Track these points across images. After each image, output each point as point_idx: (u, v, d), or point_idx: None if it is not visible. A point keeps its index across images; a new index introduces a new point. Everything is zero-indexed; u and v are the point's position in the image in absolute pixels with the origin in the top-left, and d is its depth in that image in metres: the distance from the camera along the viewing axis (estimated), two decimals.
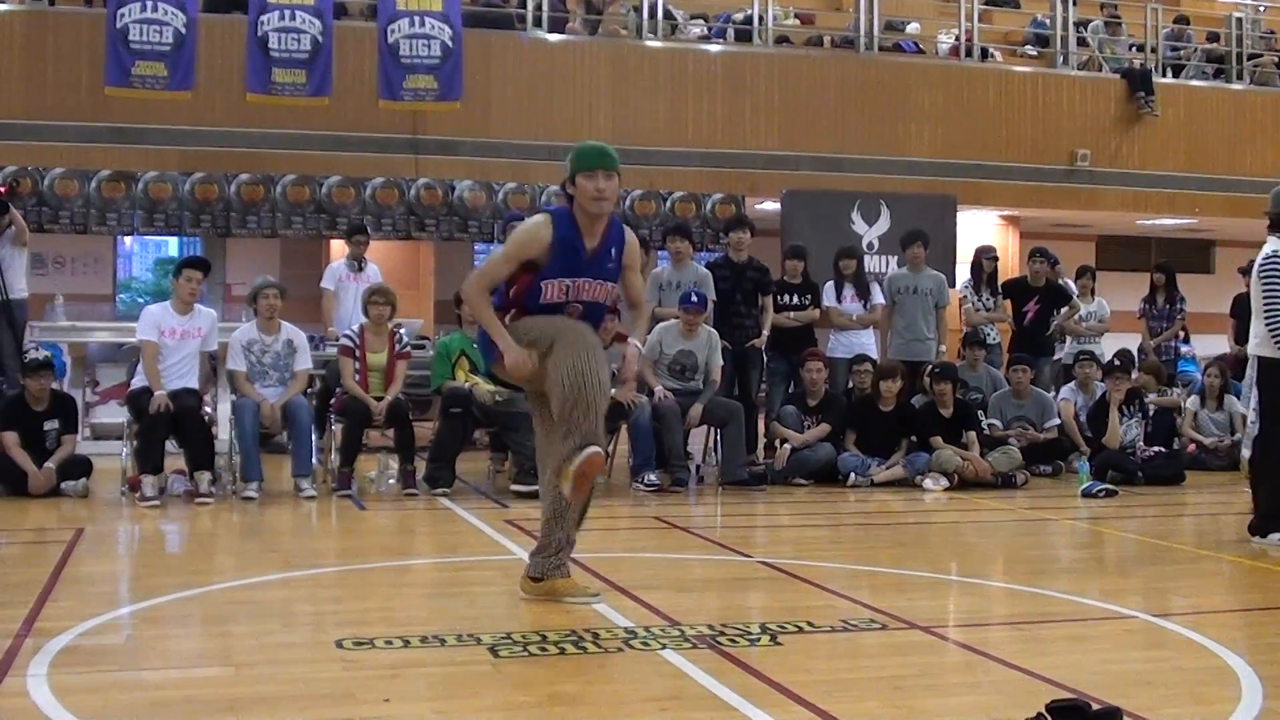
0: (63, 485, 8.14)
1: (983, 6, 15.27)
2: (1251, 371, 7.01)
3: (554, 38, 13.36)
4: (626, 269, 5.11)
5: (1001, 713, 3.64)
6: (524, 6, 13.31)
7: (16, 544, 6.85)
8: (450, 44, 12.20)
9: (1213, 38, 16.40)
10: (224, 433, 8.74)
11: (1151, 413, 10.44)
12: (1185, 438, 10.71)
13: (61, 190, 12.08)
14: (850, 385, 10.09)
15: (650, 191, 13.26)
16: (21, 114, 11.94)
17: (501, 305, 4.98)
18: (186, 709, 3.68)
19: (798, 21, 15.00)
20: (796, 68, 14.05)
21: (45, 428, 8.27)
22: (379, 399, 8.47)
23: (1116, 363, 10.30)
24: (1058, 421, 10.11)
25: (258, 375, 8.42)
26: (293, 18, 11.86)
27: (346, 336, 8.81)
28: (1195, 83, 15.76)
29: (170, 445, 8.15)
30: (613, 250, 5.02)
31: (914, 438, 9.50)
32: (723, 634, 4.53)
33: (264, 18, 11.81)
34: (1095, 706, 3.48)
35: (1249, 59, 15.90)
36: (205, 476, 8.01)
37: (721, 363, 9.25)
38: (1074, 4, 15.19)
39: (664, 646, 4.37)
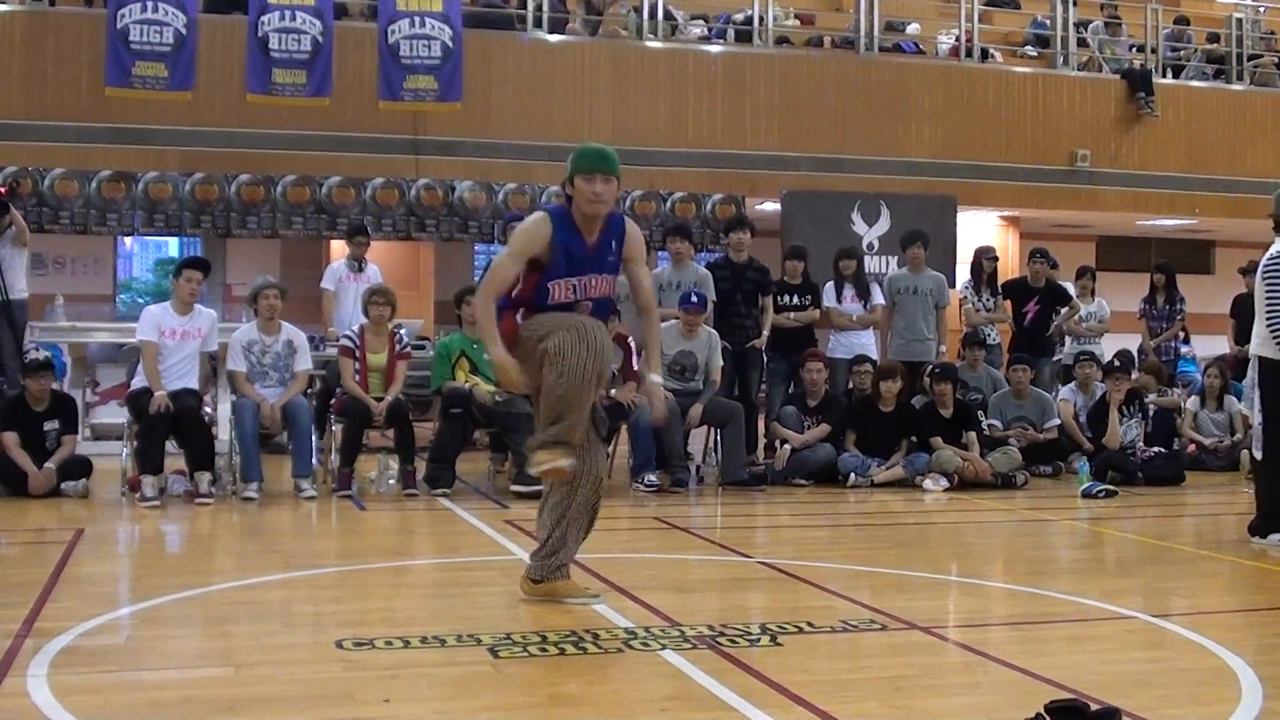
0: (63, 485, 8.14)
1: (983, 7, 15.27)
2: (1253, 372, 7.00)
3: (554, 38, 13.37)
4: (629, 262, 5.11)
5: (1001, 713, 3.64)
6: (524, 7, 13.31)
7: (16, 544, 6.85)
8: (450, 44, 12.21)
9: (1213, 38, 16.41)
10: (224, 433, 8.74)
11: (1151, 413, 10.44)
12: (1185, 438, 10.71)
13: (62, 190, 12.08)
14: (850, 386, 10.10)
15: (650, 192, 13.27)
16: (22, 114, 11.95)
17: (508, 305, 4.98)
18: (186, 709, 3.67)
19: (798, 22, 15.01)
20: (797, 68, 14.05)
21: (45, 428, 8.27)
22: (379, 399, 8.47)
23: (1116, 363, 10.30)
24: (1058, 422, 10.11)
25: (258, 376, 8.43)
26: (293, 18, 11.86)
27: (347, 337, 8.81)
28: (1195, 83, 15.77)
29: (170, 446, 8.15)
30: (612, 243, 5.05)
31: (914, 438, 9.50)
32: (723, 634, 4.53)
33: (264, 18, 11.81)
34: (1094, 707, 3.47)
35: (1249, 60, 15.90)
36: (205, 477, 8.01)
37: (721, 363, 9.25)
38: (1074, 4, 15.20)
39: (664, 647, 4.37)
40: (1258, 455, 6.83)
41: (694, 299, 9.08)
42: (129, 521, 7.47)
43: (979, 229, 15.11)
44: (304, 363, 8.59)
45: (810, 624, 4.74)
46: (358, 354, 8.61)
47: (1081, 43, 15.50)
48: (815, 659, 4.34)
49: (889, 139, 14.05)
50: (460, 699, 3.82)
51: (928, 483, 9.11)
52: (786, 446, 9.37)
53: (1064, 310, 11.38)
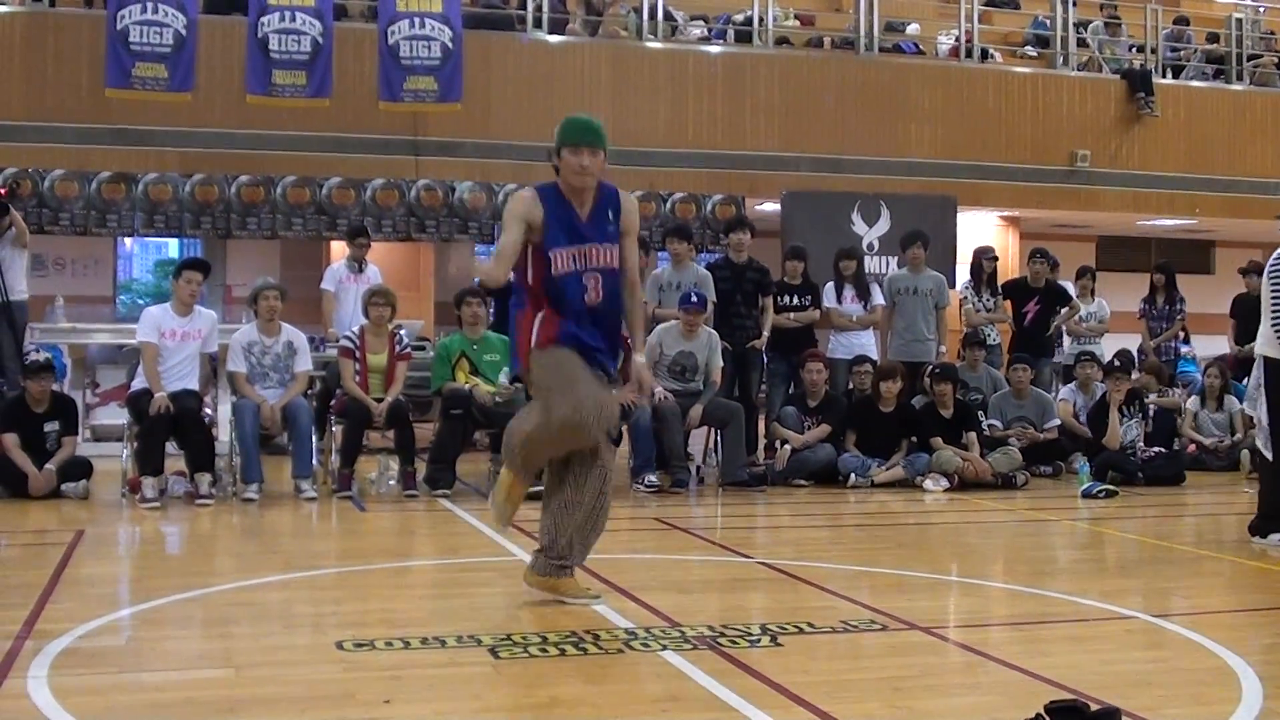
0: (63, 487, 8.14)
1: (982, 7, 15.28)
2: (1258, 372, 6.99)
3: (554, 39, 13.37)
4: (623, 235, 5.12)
5: (1002, 713, 3.64)
6: (524, 8, 13.31)
7: (17, 546, 6.85)
8: (450, 45, 12.21)
9: (1212, 38, 16.41)
10: (224, 434, 8.74)
11: (1152, 413, 10.44)
12: (1185, 438, 10.71)
13: (62, 192, 12.09)
14: (850, 386, 10.10)
15: (650, 192, 13.26)
16: (22, 115, 11.95)
17: (525, 306, 4.99)
18: (187, 710, 3.67)
19: (798, 22, 15.01)
20: (797, 69, 14.05)
21: (45, 429, 8.27)
22: (379, 400, 8.47)
23: (1117, 363, 10.30)
24: (1058, 422, 10.11)
25: (258, 377, 8.43)
26: (293, 19, 11.86)
27: (347, 338, 8.81)
28: (1195, 83, 15.77)
29: (170, 447, 8.14)
30: (609, 212, 5.06)
31: (914, 438, 9.50)
32: (723, 635, 4.53)
33: (264, 19, 11.81)
34: (1095, 707, 3.47)
35: (1249, 59, 15.91)
36: (205, 478, 8.01)
37: (722, 364, 9.25)
38: (1074, 4, 15.20)
39: (664, 648, 4.37)
40: (1269, 455, 6.81)
41: (694, 299, 9.08)
42: (129, 523, 7.47)
43: (979, 229, 15.11)
44: (304, 364, 8.59)
45: (810, 624, 4.74)
46: (358, 355, 8.61)
47: (1081, 43, 15.50)
48: (815, 659, 4.34)
49: (889, 139, 14.05)
50: (460, 700, 3.82)
51: (928, 483, 9.11)
52: (787, 447, 9.38)
53: (1064, 310, 11.38)
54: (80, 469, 8.28)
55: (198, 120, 12.09)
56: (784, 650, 4.39)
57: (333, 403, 8.91)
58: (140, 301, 14.32)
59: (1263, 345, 6.92)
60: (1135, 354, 11.94)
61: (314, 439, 8.46)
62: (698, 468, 9.67)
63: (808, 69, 14.11)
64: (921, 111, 14.20)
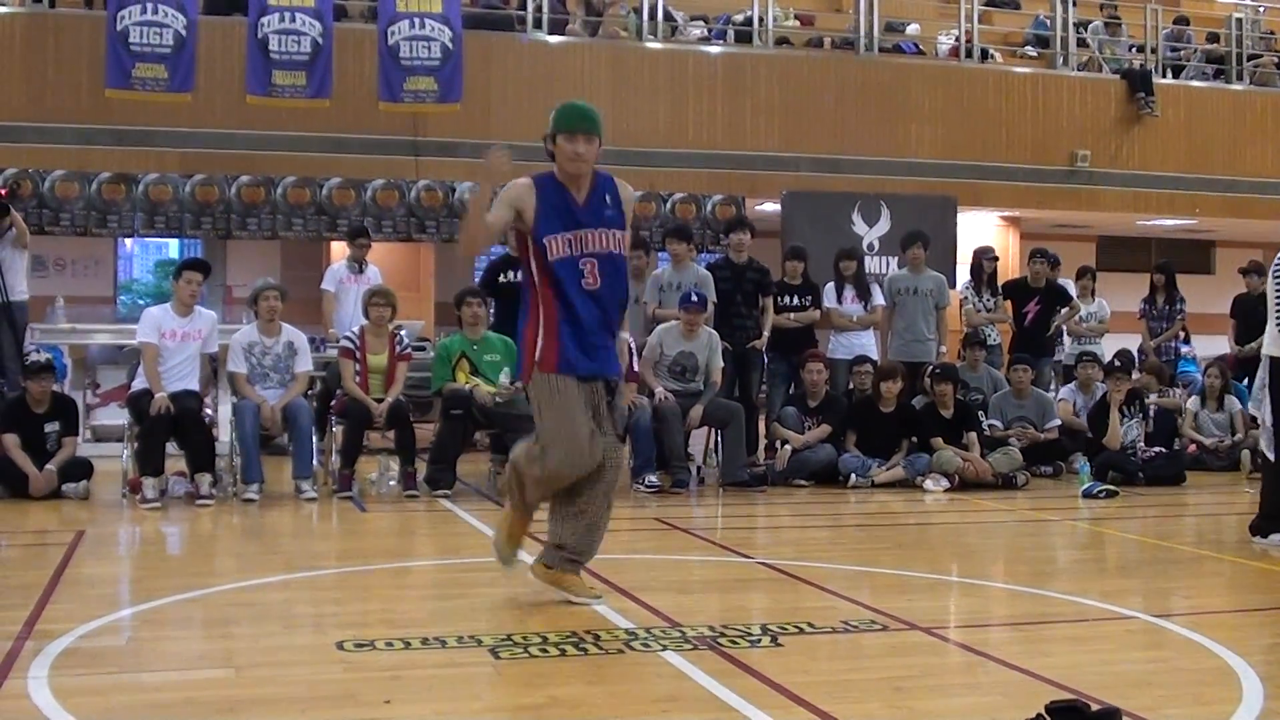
0: (63, 487, 8.14)
1: (983, 7, 15.28)
2: (1264, 373, 6.97)
3: (554, 39, 13.37)
4: None
5: (1002, 713, 3.64)
6: (524, 8, 13.31)
7: (17, 546, 6.85)
8: (450, 46, 12.21)
9: (1213, 38, 16.41)
10: (225, 435, 8.74)
11: (1152, 413, 10.44)
12: (1186, 438, 10.71)
13: (62, 192, 12.09)
14: (851, 386, 10.10)
15: (650, 193, 13.26)
16: (22, 116, 11.95)
17: (528, 317, 5.01)
18: (187, 711, 3.67)
19: (798, 23, 15.01)
20: (797, 69, 14.05)
21: (46, 430, 8.27)
22: (379, 401, 8.47)
23: (1117, 363, 10.30)
24: (1058, 422, 10.11)
25: (258, 377, 8.43)
26: (293, 20, 11.87)
27: (347, 338, 8.81)
28: (1195, 83, 15.77)
29: (171, 447, 8.14)
30: (606, 197, 5.06)
31: (914, 439, 9.50)
32: (723, 635, 4.53)
33: (264, 20, 11.81)
34: (1095, 707, 3.47)
35: (1249, 59, 15.91)
36: (206, 478, 8.01)
37: (722, 364, 9.25)
38: (1074, 5, 15.20)
39: (665, 648, 4.37)
40: (1270, 456, 6.81)
41: (694, 299, 9.07)
42: (130, 523, 7.47)
43: (979, 229, 15.11)
44: (304, 364, 8.59)
45: (811, 625, 4.74)
46: (358, 355, 8.61)
47: (1081, 43, 15.50)
48: (816, 660, 4.34)
49: (889, 139, 14.05)
50: (461, 700, 3.82)
51: (928, 483, 9.11)
52: (787, 447, 9.37)
53: (1064, 310, 11.38)
54: (81, 469, 8.28)
55: (198, 121, 12.09)
56: (784, 650, 4.39)
57: (333, 403, 8.91)
58: (141, 302, 14.31)
59: (1269, 345, 6.92)
60: (1136, 354, 11.94)
61: (314, 439, 8.46)
62: (698, 468, 9.67)
63: (808, 69, 14.11)
64: (922, 112, 14.20)
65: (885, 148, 14.01)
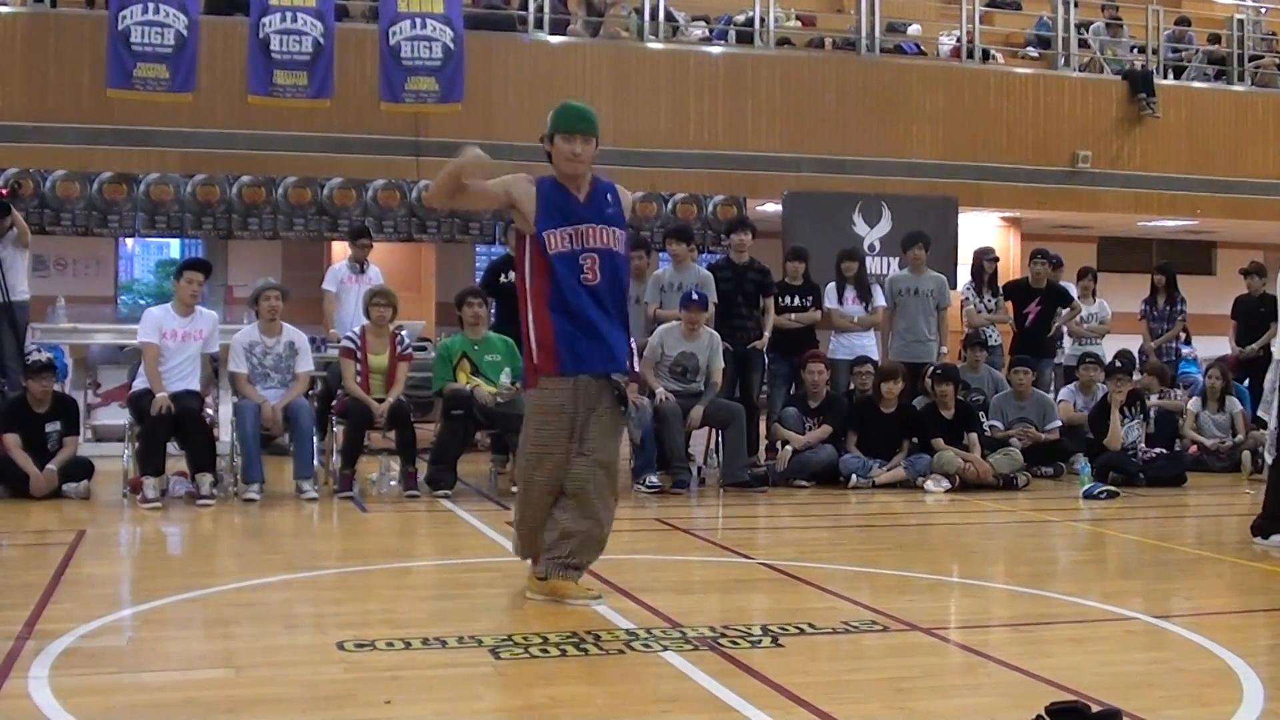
0: (64, 487, 8.14)
1: (984, 8, 15.27)
2: (1274, 374, 6.97)
3: (555, 40, 13.37)
4: None
5: (1003, 714, 3.64)
6: (525, 8, 13.31)
7: (18, 546, 6.85)
8: (452, 46, 12.21)
9: (1214, 39, 16.40)
10: (225, 435, 8.73)
11: (1153, 414, 10.43)
12: (1186, 439, 10.70)
13: (63, 192, 12.09)
14: (851, 387, 10.10)
15: (652, 193, 13.26)
16: (23, 116, 11.94)
17: (526, 323, 5.03)
18: (187, 711, 3.68)
19: (799, 23, 15.00)
20: (798, 69, 14.05)
21: (47, 429, 8.27)
22: (380, 401, 8.47)
23: (1118, 364, 10.30)
24: (1059, 423, 10.11)
25: (259, 377, 8.43)
26: (294, 20, 11.86)
27: (348, 338, 8.81)
28: (1196, 84, 15.76)
29: (172, 447, 8.14)
30: (607, 195, 5.09)
31: (915, 439, 9.50)
32: (724, 636, 4.54)
33: (265, 20, 11.81)
34: (1096, 708, 3.47)
35: (1250, 60, 15.90)
36: (207, 478, 8.01)
37: (723, 364, 9.25)
38: (1075, 5, 15.20)
39: (665, 648, 4.37)
40: (1269, 458, 6.81)
41: (694, 297, 9.06)
42: (130, 523, 7.47)
43: (980, 230, 15.11)
44: (305, 364, 8.59)
45: (811, 625, 4.74)
46: (359, 355, 8.61)
47: (1083, 44, 15.49)
48: (817, 660, 4.34)
49: (890, 140, 14.04)
50: (461, 700, 3.82)
51: (929, 484, 9.11)
52: (788, 448, 9.37)
53: (1065, 311, 11.38)
54: (81, 469, 8.28)
55: (199, 121, 12.09)
56: (785, 651, 4.39)
57: (334, 403, 8.91)
58: (142, 302, 14.33)
59: (1278, 347, 6.91)
60: (1137, 355, 11.93)
61: (315, 439, 8.46)
62: (699, 468, 9.67)
63: (809, 70, 14.11)
64: (923, 112, 14.19)
65: (886, 148, 14.01)
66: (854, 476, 9.22)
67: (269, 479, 8.36)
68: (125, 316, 13.04)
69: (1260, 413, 9.04)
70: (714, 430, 9.55)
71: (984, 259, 11.38)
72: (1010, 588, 5.94)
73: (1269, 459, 6.81)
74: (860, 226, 13.66)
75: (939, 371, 9.70)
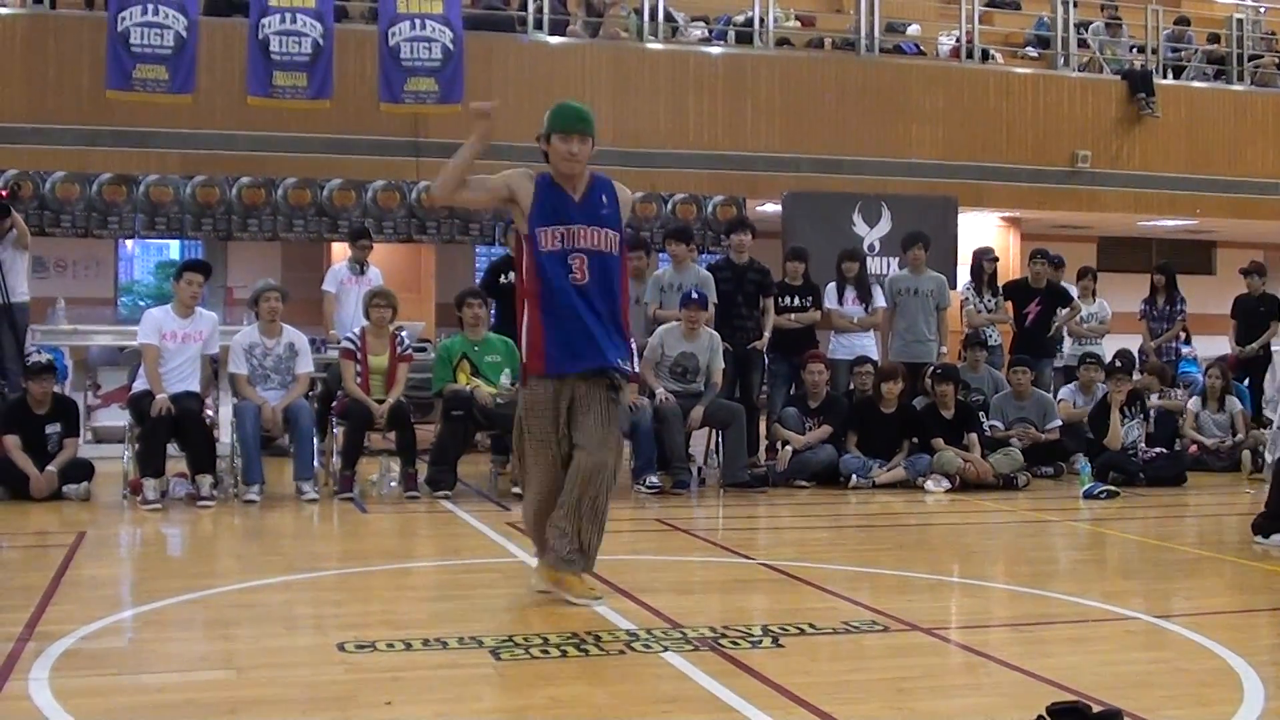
0: (64, 488, 8.14)
1: (983, 8, 15.27)
2: (1275, 374, 6.97)
3: (555, 40, 13.37)
4: None
5: (1003, 714, 3.64)
6: (525, 9, 13.31)
7: (18, 547, 6.85)
8: (451, 47, 12.21)
9: (1213, 39, 16.40)
10: (225, 436, 8.74)
11: (1153, 414, 10.43)
12: (1186, 439, 10.70)
13: (63, 193, 12.09)
14: (851, 387, 10.10)
15: (651, 193, 13.26)
16: (23, 117, 11.94)
17: (520, 321, 5.05)
18: (188, 712, 3.68)
19: (798, 24, 15.01)
20: (797, 70, 14.05)
21: (47, 431, 8.27)
22: (380, 402, 8.47)
23: (1118, 363, 10.30)
24: (1059, 423, 10.11)
25: (259, 378, 8.43)
26: (294, 21, 11.86)
27: (348, 339, 8.81)
28: (1196, 84, 15.76)
29: (172, 448, 8.14)
30: (603, 197, 5.10)
31: (915, 439, 9.50)
32: (724, 636, 4.53)
33: (265, 21, 11.81)
34: (1096, 708, 3.47)
35: (1250, 60, 15.90)
36: (207, 480, 8.00)
37: (723, 365, 9.25)
38: (1075, 5, 15.20)
39: (666, 649, 4.37)
40: (1269, 457, 6.81)
41: (694, 296, 9.06)
42: (130, 524, 7.47)
43: (980, 230, 15.10)
44: (305, 365, 8.59)
45: (812, 625, 4.74)
46: (359, 356, 8.61)
47: (1082, 43, 15.49)
48: (817, 660, 4.34)
49: (890, 140, 14.04)
50: (462, 701, 3.82)
51: (929, 484, 9.11)
52: (788, 448, 9.37)
53: (1064, 311, 11.38)
54: (81, 471, 8.28)
55: (199, 122, 12.09)
56: (785, 651, 4.39)
57: (334, 404, 8.91)
58: (141, 303, 14.33)
59: None
60: (1137, 355, 11.93)
61: (315, 440, 8.46)
62: (699, 469, 9.67)
63: (809, 70, 14.11)
64: (922, 112, 14.19)
65: (886, 148, 14.01)
66: (854, 477, 9.22)
67: (269, 480, 8.36)
68: (125, 318, 13.04)
69: (1267, 413, 9.05)
70: (714, 431, 9.55)
71: (984, 259, 11.38)
72: (1011, 588, 5.94)
73: (1270, 459, 6.81)
74: (860, 227, 13.66)
75: (939, 371, 9.70)
